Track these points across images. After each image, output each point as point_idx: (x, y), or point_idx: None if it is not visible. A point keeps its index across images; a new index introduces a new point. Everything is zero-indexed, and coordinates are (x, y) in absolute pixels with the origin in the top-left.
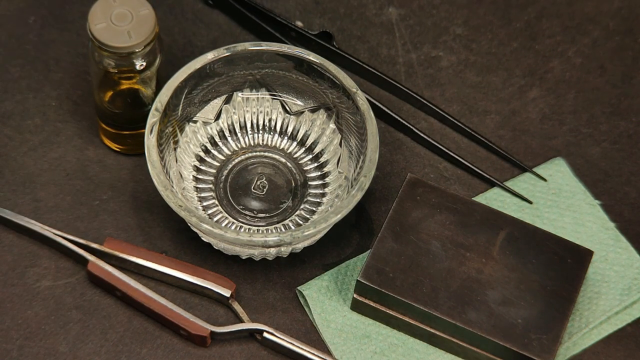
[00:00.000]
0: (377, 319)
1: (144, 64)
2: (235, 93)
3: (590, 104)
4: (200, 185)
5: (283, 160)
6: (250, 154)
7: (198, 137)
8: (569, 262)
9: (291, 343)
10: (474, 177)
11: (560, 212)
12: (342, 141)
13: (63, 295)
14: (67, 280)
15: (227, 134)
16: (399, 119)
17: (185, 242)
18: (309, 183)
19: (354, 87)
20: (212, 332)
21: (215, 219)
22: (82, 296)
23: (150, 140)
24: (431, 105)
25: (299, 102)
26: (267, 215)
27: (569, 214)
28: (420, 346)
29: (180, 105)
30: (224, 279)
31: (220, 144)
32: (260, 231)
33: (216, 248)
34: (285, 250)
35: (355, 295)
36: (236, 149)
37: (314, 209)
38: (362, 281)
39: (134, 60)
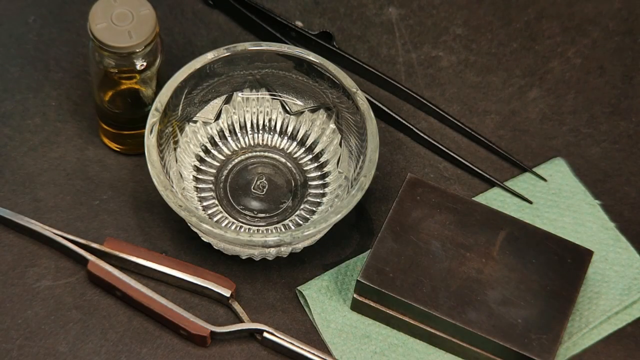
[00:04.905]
0: (377, 319)
1: (144, 64)
2: (235, 93)
3: (590, 104)
4: (200, 185)
5: (283, 160)
6: (250, 154)
7: (198, 137)
8: (569, 262)
9: (291, 343)
10: (474, 177)
11: (560, 212)
12: (342, 141)
13: (63, 295)
14: (67, 280)
15: (227, 134)
16: (399, 119)
17: (185, 242)
18: (309, 183)
19: (354, 87)
20: (212, 332)
21: (215, 219)
22: (82, 296)
23: (150, 140)
24: (431, 105)
25: (299, 102)
26: (267, 215)
27: (569, 214)
28: (420, 346)
29: (180, 105)
30: (224, 279)
31: (220, 144)
32: (260, 231)
33: (216, 248)
34: (285, 250)
35: (355, 295)
36: (236, 149)
37: (314, 209)
38: (362, 281)
39: (135, 60)
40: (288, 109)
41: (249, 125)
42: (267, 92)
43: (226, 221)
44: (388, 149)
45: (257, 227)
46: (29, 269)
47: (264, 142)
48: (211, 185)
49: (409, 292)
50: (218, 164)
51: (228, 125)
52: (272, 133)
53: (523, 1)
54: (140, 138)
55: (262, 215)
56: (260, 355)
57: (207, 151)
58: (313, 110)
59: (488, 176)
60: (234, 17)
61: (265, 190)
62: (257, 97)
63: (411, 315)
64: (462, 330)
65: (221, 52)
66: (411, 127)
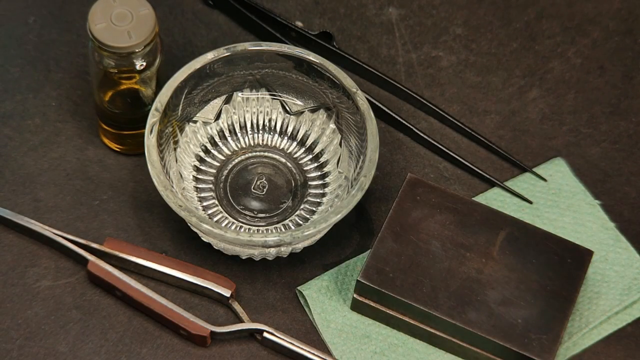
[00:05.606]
0: (377, 319)
1: (144, 64)
2: (235, 93)
3: (590, 104)
4: (200, 185)
5: (283, 160)
6: (250, 154)
7: (198, 137)
8: (569, 262)
9: (291, 343)
10: (474, 177)
11: (560, 212)
12: (342, 141)
13: (63, 295)
14: (67, 280)
15: (227, 134)
16: (399, 119)
17: (185, 242)
18: (309, 183)
19: (354, 87)
20: (212, 332)
21: (215, 219)
22: (82, 296)
23: (150, 140)
24: (431, 105)
25: (299, 102)
26: (267, 215)
27: (569, 214)
28: (420, 346)
29: (180, 105)
30: (224, 279)
31: (220, 144)
32: (260, 231)
33: (216, 248)
34: (285, 250)
35: (355, 295)
36: (236, 149)
37: (314, 209)
38: (362, 281)
39: (134, 60)
40: (288, 109)
41: (249, 125)
42: (267, 92)
43: (226, 221)
44: (388, 149)
45: (257, 227)
46: (29, 269)
47: (264, 142)
48: (211, 185)
49: (409, 292)
50: (218, 164)
51: (228, 125)
52: (272, 133)
53: (523, 1)
54: (140, 138)
55: (262, 215)
56: (260, 355)
57: (207, 151)
58: (313, 110)
59: (488, 176)
60: (234, 17)
61: (265, 190)
62: (257, 97)
63: (411, 315)
64: (462, 330)
65: (221, 52)
66: (411, 127)
